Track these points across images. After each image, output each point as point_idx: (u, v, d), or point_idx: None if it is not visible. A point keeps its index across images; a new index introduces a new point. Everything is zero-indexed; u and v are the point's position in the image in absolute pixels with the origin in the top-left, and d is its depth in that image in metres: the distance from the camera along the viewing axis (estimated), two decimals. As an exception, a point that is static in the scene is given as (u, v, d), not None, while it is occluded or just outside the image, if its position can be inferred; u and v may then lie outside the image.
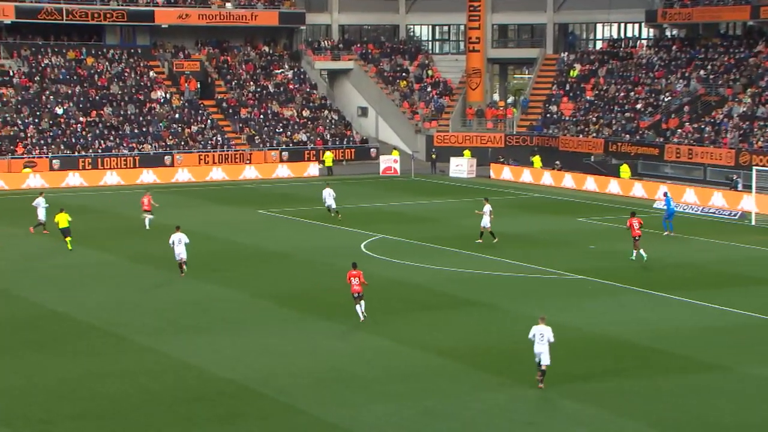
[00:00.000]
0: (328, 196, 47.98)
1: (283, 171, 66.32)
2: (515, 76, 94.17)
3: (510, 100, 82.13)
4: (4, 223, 46.38)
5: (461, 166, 66.74)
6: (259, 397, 22.81)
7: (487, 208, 41.35)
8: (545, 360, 23.31)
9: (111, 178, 61.95)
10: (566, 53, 78.55)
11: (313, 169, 66.81)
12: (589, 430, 21.15)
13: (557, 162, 64.77)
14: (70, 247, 39.63)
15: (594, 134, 68.27)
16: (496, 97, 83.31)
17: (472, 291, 33.45)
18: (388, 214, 50.15)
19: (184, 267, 35.05)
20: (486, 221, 41.18)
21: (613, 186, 58.87)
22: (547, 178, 62.75)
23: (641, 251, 37.61)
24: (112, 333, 27.94)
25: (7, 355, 26.02)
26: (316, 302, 31.61)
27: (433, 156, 69.43)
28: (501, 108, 76.85)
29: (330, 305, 31.18)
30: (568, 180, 61.43)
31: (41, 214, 43.25)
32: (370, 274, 35.91)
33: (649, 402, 22.67)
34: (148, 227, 43.82)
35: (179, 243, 35.01)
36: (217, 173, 64.51)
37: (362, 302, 28.97)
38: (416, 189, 60.65)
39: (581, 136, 68.75)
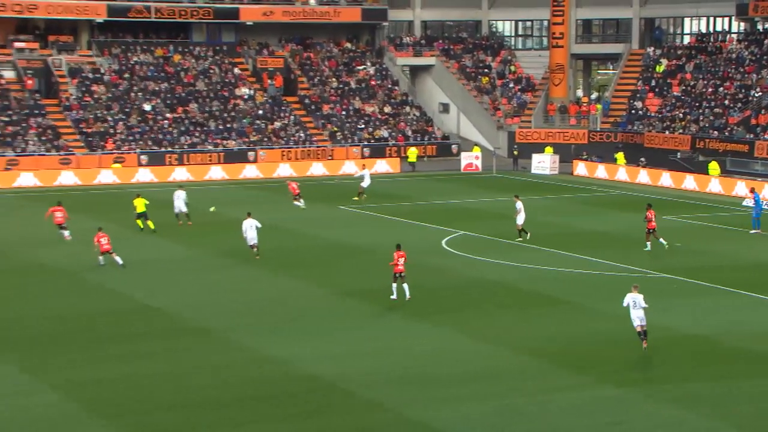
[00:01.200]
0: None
1: (366, 167, 66.48)
2: (599, 71, 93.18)
3: (594, 96, 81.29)
4: (99, 219, 47.40)
5: (543, 163, 66.35)
6: (344, 393, 23.09)
7: (519, 205, 41.14)
8: (643, 322, 25.85)
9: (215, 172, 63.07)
10: (652, 48, 77.39)
11: (395, 165, 66.94)
12: (674, 431, 20.98)
13: (642, 159, 64.01)
14: (153, 227, 41.79)
15: (680, 131, 67.26)
16: (579, 93, 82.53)
17: (555, 289, 33.32)
18: (469, 211, 50.14)
19: (256, 250, 36.66)
20: (520, 219, 40.95)
21: (697, 183, 58.01)
22: (631, 174, 62.05)
23: (661, 239, 38.86)
24: (201, 328, 28.44)
25: (101, 347, 26.67)
26: (399, 299, 31.73)
27: (515, 152, 69.10)
28: (584, 104, 76.11)
29: (412, 302, 31.33)
30: (653, 177, 60.67)
31: (181, 207, 44.43)
32: (451, 270, 36.14)
33: (735, 404, 22.40)
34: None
35: (251, 228, 36.66)
36: (285, 169, 64.89)
37: (405, 284, 30.53)
38: (498, 186, 60.45)
39: (667, 132, 67.80)
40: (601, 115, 73.46)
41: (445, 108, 78.17)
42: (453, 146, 72.56)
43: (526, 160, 67.37)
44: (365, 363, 25.28)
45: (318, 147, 68.67)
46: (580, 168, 65.35)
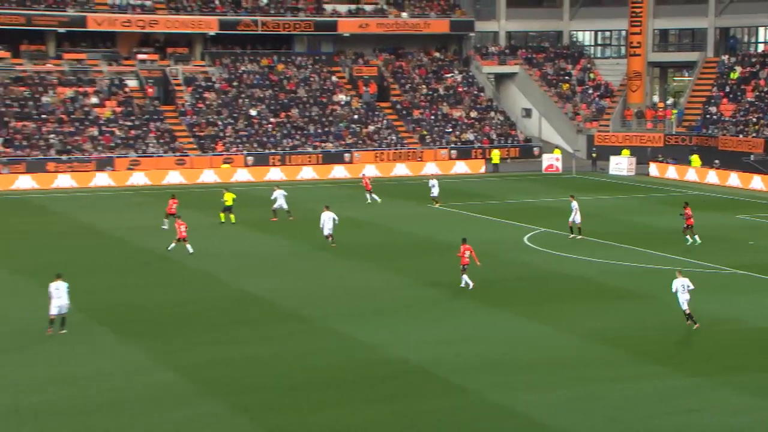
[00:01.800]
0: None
1: (453, 168, 66.44)
2: (675, 78, 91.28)
3: (669, 101, 79.62)
4: (210, 214, 48.19)
5: (621, 164, 65.28)
6: (431, 378, 23.01)
7: (575, 204, 40.42)
8: (686, 307, 26.57)
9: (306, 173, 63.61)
10: (727, 56, 75.48)
11: (480, 167, 66.65)
12: (750, 419, 20.41)
13: (716, 161, 62.48)
14: (233, 221, 42.45)
15: (754, 134, 65.43)
16: (655, 98, 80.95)
17: (631, 283, 32.75)
18: (550, 209, 49.55)
19: (331, 240, 37.90)
20: (576, 217, 40.35)
21: (764, 183, 56.51)
22: (701, 175, 60.63)
23: (696, 236, 38.87)
24: (300, 316, 28.60)
25: (213, 332, 26.99)
26: (481, 291, 31.57)
27: (594, 155, 68.10)
28: (660, 109, 74.62)
29: (495, 293, 31.12)
30: (728, 178, 59.18)
31: (282, 204, 44.69)
32: (532, 265, 35.78)
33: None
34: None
35: (329, 219, 38.20)
36: (397, 169, 64.94)
37: (465, 275, 31.23)
38: (577, 186, 59.59)
39: (741, 136, 66.02)
40: (676, 120, 71.91)
41: (528, 113, 77.42)
42: (535, 148, 71.87)
43: (604, 162, 66.37)
44: (450, 350, 25.16)
45: (408, 149, 68.66)
46: (656, 169, 64.08)
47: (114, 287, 32.21)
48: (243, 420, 20.40)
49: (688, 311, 26.71)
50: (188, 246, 36.72)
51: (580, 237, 40.40)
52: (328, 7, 76.26)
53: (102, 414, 20.69)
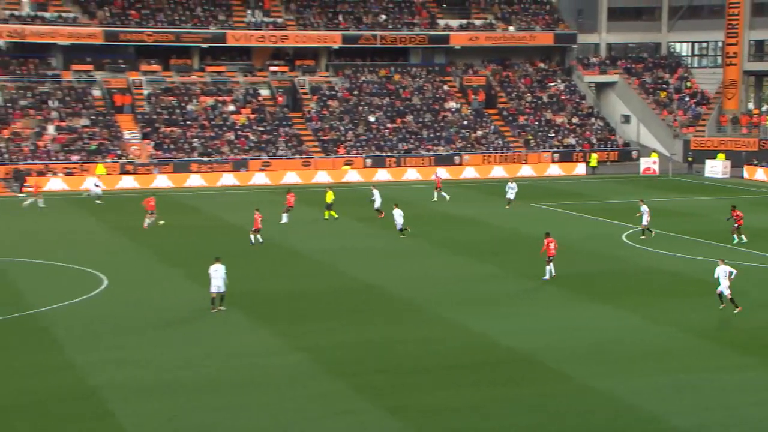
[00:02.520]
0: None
1: (554, 170, 65.41)
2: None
3: (764, 108, 76.42)
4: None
5: (716, 168, 63.09)
6: (536, 365, 22.66)
7: (644, 208, 39.07)
8: (727, 292, 26.98)
9: (411, 174, 63.53)
10: (820, 65, 72.00)
11: (580, 169, 65.43)
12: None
13: (809, 165, 59.71)
14: (336, 216, 42.67)
15: None
16: (750, 105, 77.84)
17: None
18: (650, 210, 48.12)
19: (407, 228, 38.97)
20: (645, 220, 39.06)
21: None
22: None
23: (743, 236, 37.77)
24: (413, 304, 28.58)
25: (328, 317, 27.22)
26: (582, 284, 30.93)
27: (690, 158, 66.01)
28: (755, 116, 71.72)
29: (597, 286, 30.43)
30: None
31: (377, 203, 44.86)
32: (630, 261, 34.84)
33: None
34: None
35: (399, 216, 39.29)
36: (497, 171, 64.51)
37: (552, 264, 30.98)
38: (673, 187, 57.94)
39: (834, 141, 62.89)
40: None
41: (627, 119, 75.53)
42: (633, 152, 70.08)
43: (699, 165, 64.24)
44: (554, 338, 24.73)
45: (514, 152, 67.87)
46: (750, 173, 61.60)
47: (245, 276, 32.81)
48: (365, 398, 20.44)
49: (729, 296, 27.10)
50: (258, 237, 37.15)
51: (642, 237, 39.02)
52: (441, 22, 76.02)
53: (237, 390, 21.08)
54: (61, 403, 20.15)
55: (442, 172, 59.14)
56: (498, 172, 64.18)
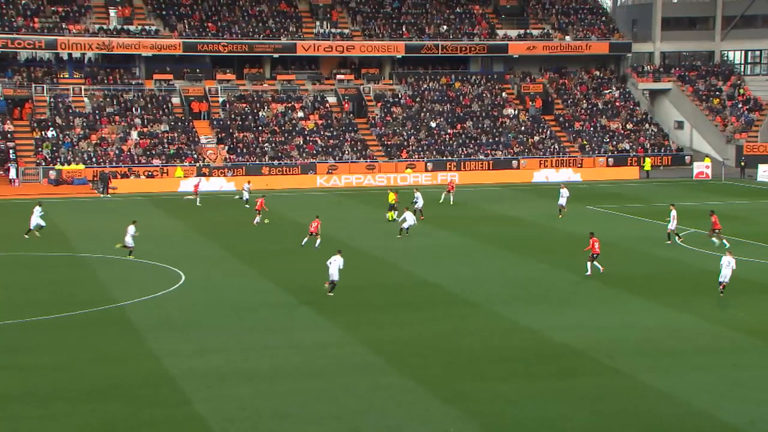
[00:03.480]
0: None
1: (610, 174, 64.60)
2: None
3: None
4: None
5: (768, 172, 61.61)
6: (589, 360, 22.54)
7: (674, 213, 38.18)
8: (727, 280, 28.48)
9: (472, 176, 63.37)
10: None
11: (635, 173, 64.50)
12: None
13: None
14: (390, 219, 42.28)
15: None
16: (803, 111, 75.81)
17: (776, 282, 30.87)
18: (700, 212, 47.28)
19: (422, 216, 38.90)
20: (673, 224, 38.09)
21: None
22: None
23: (724, 240, 36.51)
24: (469, 300, 28.60)
25: (391, 313, 27.38)
26: (635, 282, 30.59)
27: (742, 163, 64.59)
28: (808, 121, 69.83)
29: (647, 285, 30.06)
30: None
31: (419, 205, 44.69)
32: (682, 261, 34.30)
33: None
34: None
35: (410, 217, 39.32)
36: (563, 174, 63.73)
37: (596, 262, 31.45)
38: (726, 191, 56.79)
39: None
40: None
41: (680, 125, 74.24)
42: (686, 157, 68.87)
43: (752, 170, 62.83)
44: (606, 335, 24.56)
45: (570, 157, 67.24)
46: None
47: (312, 271, 33.17)
48: (427, 389, 20.58)
49: (726, 283, 28.53)
50: (316, 240, 36.66)
51: (669, 242, 38.13)
52: (500, 32, 75.72)
53: (307, 379, 21.41)
54: (143, 388, 20.73)
55: (455, 178, 58.10)
56: (555, 175, 63.58)
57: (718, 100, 73.68)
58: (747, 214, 46.60)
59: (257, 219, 43.43)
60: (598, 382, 20.94)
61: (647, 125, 72.17)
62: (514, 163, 65.82)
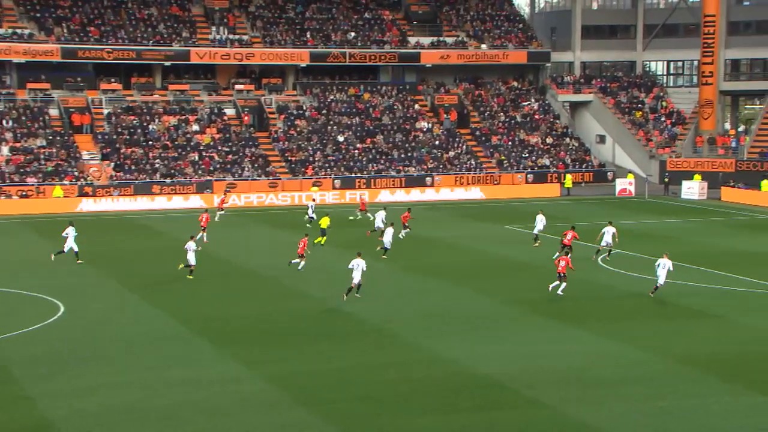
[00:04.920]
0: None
1: (529, 191, 66.10)
2: (746, 106, 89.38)
3: (741, 128, 77.95)
4: (298, 233, 48.74)
5: (692, 189, 64.13)
6: (511, 391, 22.91)
7: (609, 229, 40.01)
8: (662, 281, 32.25)
9: (383, 195, 63.85)
10: (797, 85, 73.66)
11: (555, 190, 66.18)
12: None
13: (787, 186, 60.89)
14: (322, 243, 42.41)
15: (823, 160, 63.59)
16: (726, 125, 79.33)
17: (704, 303, 32.14)
18: (623, 231, 48.77)
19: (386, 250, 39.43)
20: (604, 241, 39.95)
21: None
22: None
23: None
24: (386, 330, 28.74)
25: (300, 344, 27.32)
26: (558, 308, 31.33)
27: (666, 180, 67.02)
28: (731, 136, 73.09)
29: (572, 311, 30.83)
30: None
31: (379, 225, 45.14)
32: (606, 284, 35.32)
33: None
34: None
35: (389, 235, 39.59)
36: (472, 193, 65.05)
37: (564, 284, 32.56)
38: (650, 209, 58.76)
39: (811, 162, 64.26)
40: (748, 145, 70.32)
41: (602, 139, 76.60)
42: (608, 173, 71.06)
43: (675, 187, 65.26)
44: (529, 364, 25.02)
45: (487, 173, 68.53)
46: (727, 194, 62.73)
47: (211, 301, 32.83)
48: (341, 428, 20.56)
49: (660, 285, 32.14)
50: (303, 262, 37.26)
51: (595, 258, 39.87)
52: (412, 40, 76.77)
53: (203, 418, 21.13)
54: (20, 435, 20.07)
55: (366, 196, 59.03)
56: (472, 193, 64.68)
57: (640, 113, 76.36)
58: (671, 233, 48.31)
59: (200, 235, 43.50)
60: (519, 415, 21.32)
61: (568, 139, 74.20)
62: (428, 179, 66.66)
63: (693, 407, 21.65)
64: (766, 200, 59.87)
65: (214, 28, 73.34)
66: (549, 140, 73.49)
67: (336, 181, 65.16)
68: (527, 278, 36.83)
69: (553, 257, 38.49)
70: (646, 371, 24.40)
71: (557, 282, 32.85)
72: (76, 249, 39.02)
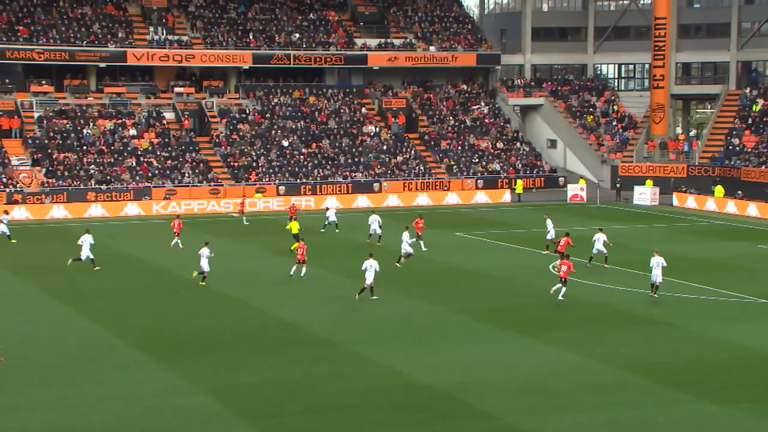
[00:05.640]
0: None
1: (479, 197, 66.55)
2: (698, 110, 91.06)
3: (692, 133, 79.41)
4: (240, 242, 48.48)
5: (644, 194, 65.07)
6: (459, 403, 22.97)
7: (549, 222, 42.40)
8: (659, 280, 33.76)
9: (329, 202, 63.73)
10: (749, 89, 75.24)
11: (505, 196, 66.70)
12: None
13: (739, 192, 62.07)
14: (292, 248, 42.21)
15: (775, 165, 65.04)
16: (678, 130, 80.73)
17: (657, 311, 32.56)
18: (575, 239, 49.27)
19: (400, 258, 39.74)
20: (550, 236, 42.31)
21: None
22: (727, 206, 60.24)
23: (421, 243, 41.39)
24: (330, 341, 28.67)
25: (245, 356, 27.16)
26: (508, 317, 31.53)
27: (618, 185, 67.91)
28: (683, 140, 74.39)
29: (523, 320, 31.04)
30: (751, 208, 58.76)
31: (377, 230, 46.27)
32: (557, 292, 35.63)
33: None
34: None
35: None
36: (421, 199, 65.31)
37: (564, 288, 33.37)
38: (602, 215, 59.47)
39: (764, 167, 65.61)
40: (699, 150, 71.62)
41: (553, 144, 77.42)
42: (560, 178, 71.81)
43: (627, 192, 66.15)
44: (478, 375, 25.13)
45: (436, 179, 68.81)
46: (679, 200, 63.79)
47: (149, 312, 32.44)
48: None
49: (658, 283, 33.79)
50: (303, 268, 37.43)
51: (589, 264, 40.40)
52: (359, 41, 76.85)
53: (139, 436, 20.86)
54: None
55: (296, 202, 59.17)
56: (421, 199, 64.91)
57: (591, 117, 77.33)
58: (623, 240, 48.88)
59: (175, 241, 44.14)
60: (469, 428, 21.38)
61: (519, 144, 74.84)
62: (376, 185, 66.72)
63: (644, 417, 21.91)
64: (719, 206, 60.99)
65: (151, 29, 72.63)
66: (499, 145, 74.06)
67: (280, 187, 64.89)
68: (477, 287, 37.00)
69: (552, 265, 38.73)
70: (598, 380, 24.64)
71: (559, 286, 33.46)
72: (92, 256, 39.50)
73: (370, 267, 33.36)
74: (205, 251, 36.54)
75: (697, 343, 28.34)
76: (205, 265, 36.41)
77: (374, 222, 46.66)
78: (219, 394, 23.53)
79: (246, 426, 21.46)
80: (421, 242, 44.54)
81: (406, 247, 40.52)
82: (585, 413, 22.18)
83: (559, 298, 33.25)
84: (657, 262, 33.70)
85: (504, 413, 22.18)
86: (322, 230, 50.24)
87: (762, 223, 55.72)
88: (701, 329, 30.01)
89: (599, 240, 40.36)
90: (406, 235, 40.71)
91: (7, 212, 40.68)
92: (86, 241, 39.69)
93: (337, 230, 50.20)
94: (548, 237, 44.46)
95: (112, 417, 22.01)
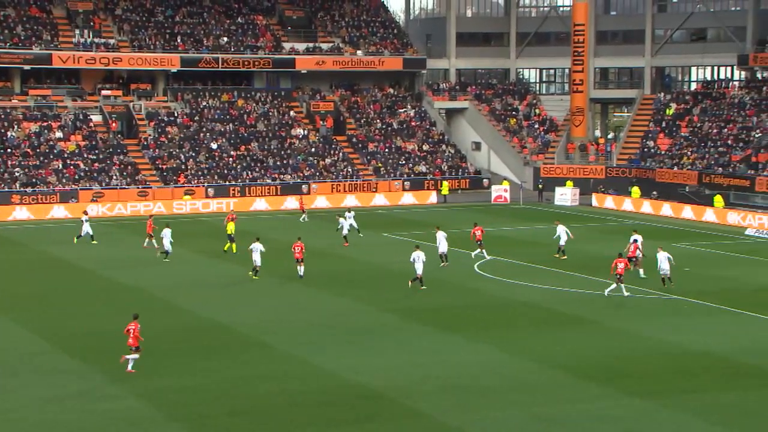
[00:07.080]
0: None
1: (406, 199, 66.73)
2: (615, 114, 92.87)
3: (610, 135, 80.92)
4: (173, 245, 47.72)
5: (565, 195, 66.03)
6: (389, 402, 22.95)
7: (561, 228, 42.81)
8: (668, 273, 35.74)
9: (259, 204, 63.27)
10: (663, 94, 77.02)
11: (432, 197, 67.03)
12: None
13: (654, 192, 63.43)
14: (234, 251, 41.69)
15: (689, 167, 66.64)
16: (597, 133, 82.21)
17: (578, 309, 33.01)
18: (499, 238, 49.87)
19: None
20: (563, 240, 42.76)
21: (708, 215, 57.39)
22: (643, 206, 61.50)
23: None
24: (263, 342, 28.43)
25: (176, 359, 26.77)
26: (435, 316, 31.64)
27: (540, 186, 68.81)
28: (602, 143, 75.75)
29: (449, 319, 31.17)
30: (665, 209, 60.06)
31: (348, 225, 46.99)
32: (483, 292, 35.91)
33: (744, 415, 22.00)
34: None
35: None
36: (349, 200, 65.19)
37: (614, 285, 33.84)
38: (525, 215, 60.19)
39: (676, 168, 67.20)
40: (617, 152, 73.01)
41: (477, 146, 78.07)
42: (484, 180, 72.44)
43: (549, 193, 67.06)
44: (409, 374, 25.13)
45: (364, 180, 68.80)
46: (598, 200, 64.91)
47: (78, 315, 31.73)
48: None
49: (668, 276, 35.36)
50: (301, 267, 37.35)
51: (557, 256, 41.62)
52: (287, 45, 76.45)
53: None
54: None
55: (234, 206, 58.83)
56: (349, 201, 64.80)
57: (514, 120, 78.21)
58: (544, 240, 49.50)
59: (147, 242, 43.90)
60: (397, 426, 21.38)
61: (444, 146, 75.30)
62: (304, 187, 66.41)
63: (572, 413, 22.16)
64: (636, 206, 62.21)
65: (77, 31, 71.13)
66: (426, 147, 74.40)
67: (209, 189, 64.17)
68: (405, 287, 37.04)
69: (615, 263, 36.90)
70: (526, 378, 24.85)
71: (614, 285, 34.04)
72: (170, 250, 41.33)
73: (418, 258, 34.35)
74: (257, 246, 36.74)
75: (623, 339, 28.78)
76: (257, 259, 36.70)
77: (348, 220, 47.23)
78: (149, 396, 23.14)
79: (177, 428, 21.12)
80: (484, 251, 42.71)
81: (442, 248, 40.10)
82: (512, 410, 22.34)
83: (606, 292, 34.25)
84: (663, 257, 35.24)
85: (433, 411, 22.22)
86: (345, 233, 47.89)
87: (672, 222, 57.01)
88: (621, 325, 30.51)
89: (639, 240, 39.70)
90: (441, 235, 40.46)
91: (86, 212, 45.46)
92: (167, 234, 41.16)
93: (360, 234, 48.75)
94: (561, 243, 43.44)
95: (38, 422, 21.43)
